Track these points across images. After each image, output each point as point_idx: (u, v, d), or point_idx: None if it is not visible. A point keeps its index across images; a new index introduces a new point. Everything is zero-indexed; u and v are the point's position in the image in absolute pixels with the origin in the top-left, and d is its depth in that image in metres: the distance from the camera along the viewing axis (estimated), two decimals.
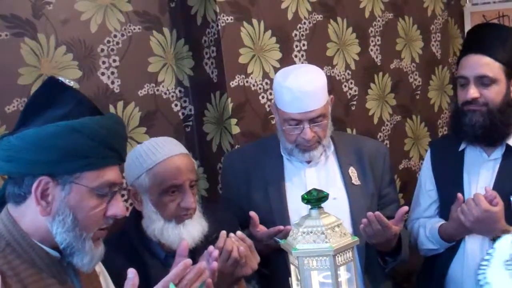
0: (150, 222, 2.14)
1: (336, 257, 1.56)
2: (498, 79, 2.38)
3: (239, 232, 2.05)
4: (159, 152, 2.13)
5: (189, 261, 1.61)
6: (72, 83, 1.61)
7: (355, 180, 2.51)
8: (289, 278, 1.68)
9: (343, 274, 1.64)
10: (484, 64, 2.38)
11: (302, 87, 2.33)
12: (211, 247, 1.97)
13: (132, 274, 1.56)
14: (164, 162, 2.12)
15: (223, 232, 2.01)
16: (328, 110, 2.44)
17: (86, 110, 1.58)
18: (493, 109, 2.39)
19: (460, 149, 2.55)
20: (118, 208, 1.61)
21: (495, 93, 2.39)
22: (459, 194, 2.35)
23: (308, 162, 2.49)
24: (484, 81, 2.38)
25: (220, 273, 1.96)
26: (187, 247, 1.87)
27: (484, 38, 2.43)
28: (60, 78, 1.61)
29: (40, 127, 1.51)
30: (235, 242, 2.00)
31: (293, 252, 1.59)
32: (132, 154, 2.19)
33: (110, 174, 1.58)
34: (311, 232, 1.59)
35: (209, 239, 2.19)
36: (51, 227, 1.54)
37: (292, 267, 1.66)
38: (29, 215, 1.55)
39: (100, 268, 1.82)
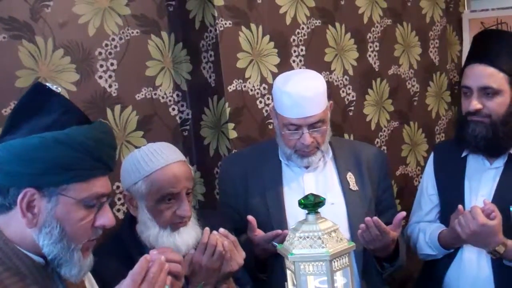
0: (145, 228, 2.14)
1: (333, 262, 1.56)
2: (502, 90, 2.36)
3: (221, 229, 2.06)
4: (157, 159, 2.13)
5: (148, 255, 1.59)
6: (59, 90, 1.59)
7: (353, 185, 2.51)
8: (285, 283, 1.67)
9: (340, 279, 1.63)
10: (488, 75, 2.36)
11: (302, 93, 2.33)
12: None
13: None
14: (162, 170, 2.11)
15: (207, 228, 2.03)
16: (328, 115, 2.43)
17: (73, 118, 1.55)
18: (496, 121, 2.38)
19: (463, 155, 2.54)
20: (107, 218, 1.59)
21: (498, 104, 2.37)
22: (460, 206, 2.34)
23: (306, 167, 2.49)
24: (487, 92, 2.36)
25: (206, 269, 1.98)
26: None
27: (489, 47, 2.40)
28: (47, 84, 1.58)
29: (26, 137, 1.48)
30: (219, 238, 2.01)
31: (289, 257, 1.58)
32: (129, 159, 2.19)
33: (98, 185, 1.55)
34: (308, 237, 1.59)
35: None
36: (37, 238, 1.51)
37: (288, 272, 1.65)
38: (14, 225, 1.53)
39: None
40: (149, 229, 2.13)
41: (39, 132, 1.49)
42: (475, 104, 2.38)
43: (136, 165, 2.14)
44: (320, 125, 2.38)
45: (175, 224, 2.13)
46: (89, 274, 1.85)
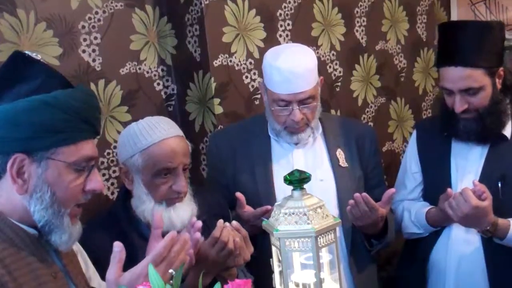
0: (140, 203, 2.12)
1: (318, 238, 1.54)
2: (483, 85, 2.35)
3: (234, 222, 2.02)
4: (155, 133, 2.10)
5: (175, 233, 1.60)
6: (39, 57, 1.57)
7: (343, 162, 2.50)
8: (271, 259, 1.66)
9: (325, 256, 1.62)
10: (467, 77, 2.33)
11: (292, 68, 2.30)
12: (194, 219, 1.98)
13: (118, 248, 1.54)
14: (159, 144, 2.09)
15: (221, 221, 1.98)
16: (318, 91, 2.42)
17: (56, 83, 1.54)
18: (484, 113, 2.38)
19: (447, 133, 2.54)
20: (97, 182, 1.59)
21: (482, 99, 2.37)
22: (449, 189, 2.34)
23: (296, 144, 2.47)
24: (469, 92, 2.35)
25: (212, 262, 1.95)
26: (161, 219, 1.87)
27: (460, 47, 2.36)
28: (26, 52, 1.57)
29: (12, 102, 1.47)
30: (231, 232, 1.97)
31: (274, 233, 1.57)
32: (126, 132, 2.16)
33: (87, 148, 1.56)
34: (293, 213, 1.57)
35: None
36: (28, 205, 1.51)
37: (273, 248, 1.64)
38: (4, 194, 1.53)
39: (77, 247, 1.81)
40: (144, 203, 2.11)
41: (25, 97, 1.48)
42: (459, 106, 2.36)
43: (134, 138, 2.11)
44: (310, 101, 2.36)
45: (171, 200, 2.11)
46: (82, 249, 1.86)
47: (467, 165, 2.48)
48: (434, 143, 2.58)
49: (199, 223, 1.93)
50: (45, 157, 1.50)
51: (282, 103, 2.36)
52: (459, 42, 2.37)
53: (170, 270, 1.54)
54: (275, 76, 2.33)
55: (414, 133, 2.72)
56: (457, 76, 2.34)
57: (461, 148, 2.50)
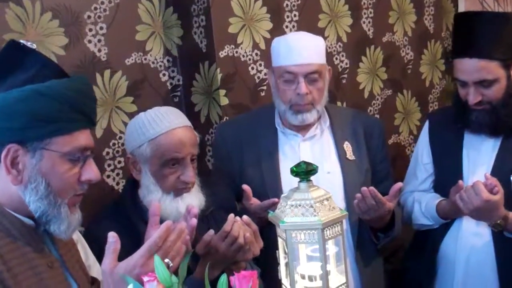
0: (147, 193, 2.11)
1: (325, 230, 1.53)
2: (498, 77, 2.33)
3: (245, 217, 2.00)
4: (163, 123, 2.09)
5: (170, 222, 1.59)
6: (34, 46, 1.56)
7: (350, 155, 2.49)
8: (277, 251, 1.65)
9: (332, 248, 1.61)
10: (482, 69, 2.32)
11: (299, 40, 2.36)
12: (190, 205, 1.96)
13: (113, 238, 1.53)
14: (167, 134, 2.08)
15: (232, 215, 1.97)
16: (325, 72, 2.42)
17: (51, 72, 1.53)
18: (497, 105, 2.36)
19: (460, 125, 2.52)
20: (92, 172, 1.58)
21: (496, 91, 2.35)
22: (460, 181, 2.33)
23: (302, 127, 2.46)
24: (484, 84, 2.34)
25: (222, 255, 1.94)
26: (158, 206, 1.86)
27: (476, 38, 2.34)
28: (21, 41, 1.55)
29: (5, 92, 1.46)
30: (241, 226, 1.96)
31: (280, 225, 1.56)
32: (134, 122, 2.15)
33: (82, 138, 1.55)
34: (300, 205, 1.56)
35: (205, 212, 2.17)
36: (23, 195, 1.51)
37: (279, 240, 1.63)
38: (0, 185, 1.52)
39: (77, 237, 1.81)
40: (151, 193, 2.10)
41: (20, 87, 1.47)
42: (473, 98, 2.35)
43: (142, 127, 2.10)
44: (316, 77, 2.36)
45: (179, 190, 2.11)
46: (82, 238, 1.85)
47: (479, 157, 2.46)
48: (447, 134, 2.56)
49: (195, 210, 1.91)
50: (39, 148, 1.49)
51: (288, 77, 2.36)
52: (475, 33, 2.35)
53: (166, 260, 1.53)
54: (283, 48, 2.36)
55: (427, 124, 2.70)
56: (472, 67, 2.33)
57: (474, 140, 2.48)
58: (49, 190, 1.50)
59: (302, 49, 2.33)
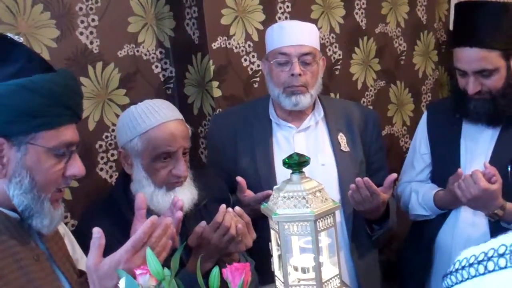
0: (139, 187, 2.09)
1: (317, 222, 1.53)
2: (498, 67, 2.33)
3: (237, 208, 2.00)
4: (154, 116, 2.07)
5: (156, 217, 1.57)
6: (21, 39, 1.55)
7: (344, 146, 2.49)
8: (269, 243, 1.65)
9: (324, 240, 1.61)
10: (482, 58, 2.31)
11: (293, 23, 2.42)
12: (176, 198, 1.95)
13: (97, 234, 1.52)
14: (159, 127, 2.05)
15: (223, 206, 1.97)
16: (319, 58, 2.44)
17: (37, 66, 1.52)
18: (496, 95, 2.36)
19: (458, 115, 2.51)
20: (77, 167, 1.58)
21: (496, 81, 2.35)
22: (460, 169, 2.33)
23: (296, 117, 2.47)
24: (484, 74, 2.33)
25: (214, 247, 1.94)
26: (144, 199, 1.83)
27: (475, 26, 2.34)
28: (8, 34, 1.55)
29: None
30: (233, 217, 1.95)
31: (273, 216, 1.56)
32: (125, 115, 2.13)
33: (67, 133, 1.54)
34: (292, 197, 1.56)
35: (199, 205, 2.16)
36: (7, 189, 1.50)
37: (272, 232, 1.63)
38: None
39: (64, 230, 1.81)
40: (143, 187, 2.08)
41: (5, 81, 1.46)
42: (473, 87, 2.35)
43: (133, 121, 2.08)
44: (310, 59, 2.37)
45: (171, 184, 2.09)
46: (69, 232, 1.84)
47: (477, 148, 2.46)
48: (445, 124, 2.57)
49: (181, 202, 1.90)
50: (24, 142, 1.48)
51: (282, 58, 2.37)
52: (475, 23, 2.35)
53: None
54: (276, 32, 2.40)
55: (425, 114, 2.70)
56: (472, 57, 2.33)
57: (472, 130, 2.48)
58: (33, 185, 1.50)
59: (296, 31, 2.37)
